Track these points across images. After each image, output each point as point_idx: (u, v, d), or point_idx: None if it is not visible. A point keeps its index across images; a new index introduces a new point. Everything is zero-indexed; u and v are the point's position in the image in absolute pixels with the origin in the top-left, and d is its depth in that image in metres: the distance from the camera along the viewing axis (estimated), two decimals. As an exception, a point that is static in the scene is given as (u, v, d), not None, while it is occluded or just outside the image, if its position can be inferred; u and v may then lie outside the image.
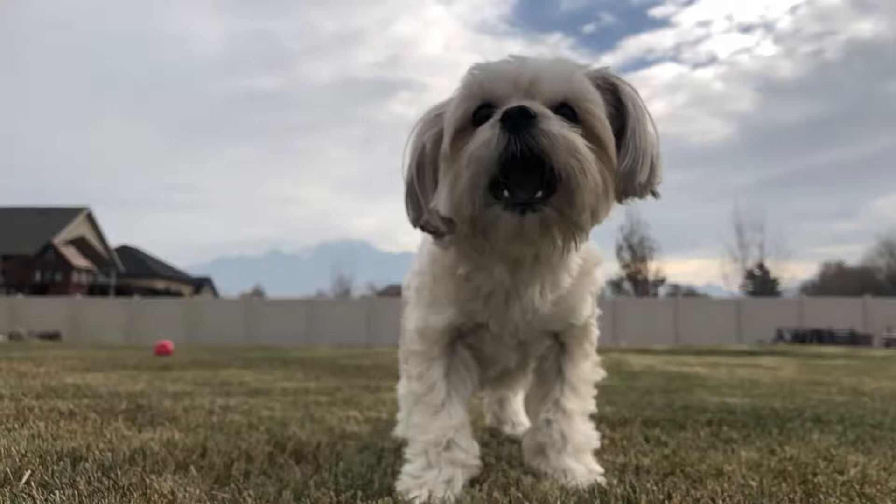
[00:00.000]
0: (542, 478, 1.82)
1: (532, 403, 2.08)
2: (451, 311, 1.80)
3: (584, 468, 1.85)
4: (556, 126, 1.42)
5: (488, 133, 1.44)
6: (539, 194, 1.45)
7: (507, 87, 1.51)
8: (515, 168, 1.43)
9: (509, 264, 1.67)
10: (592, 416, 1.99)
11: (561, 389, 1.92)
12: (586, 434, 1.92)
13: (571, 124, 1.46)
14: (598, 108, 1.53)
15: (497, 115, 1.45)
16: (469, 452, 1.78)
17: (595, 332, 1.98)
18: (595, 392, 2.01)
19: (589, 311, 1.90)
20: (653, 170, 1.60)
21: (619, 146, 1.58)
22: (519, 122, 1.41)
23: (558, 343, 1.94)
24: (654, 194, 1.66)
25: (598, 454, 2.25)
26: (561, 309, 1.81)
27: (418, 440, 1.78)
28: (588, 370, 1.97)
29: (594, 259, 1.86)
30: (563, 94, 1.51)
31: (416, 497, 1.62)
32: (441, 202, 1.54)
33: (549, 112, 1.45)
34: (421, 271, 1.90)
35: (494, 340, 1.86)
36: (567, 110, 1.50)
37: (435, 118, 1.65)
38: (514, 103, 1.45)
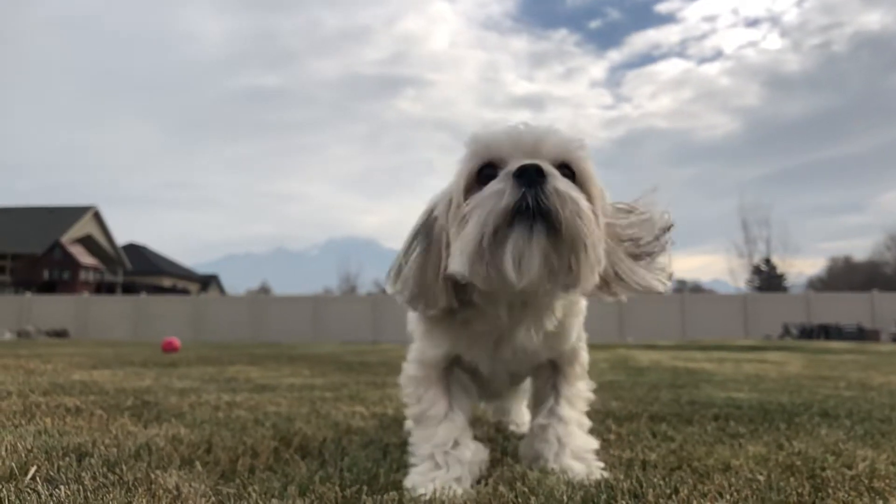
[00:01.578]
0: (548, 473, 1.81)
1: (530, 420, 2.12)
2: (445, 346, 1.87)
3: (584, 465, 1.86)
4: (564, 185, 1.48)
5: (500, 185, 1.49)
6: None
7: (511, 147, 1.57)
8: (521, 222, 1.47)
9: (507, 306, 1.72)
10: (590, 431, 2.00)
11: (556, 400, 1.97)
12: (584, 440, 1.94)
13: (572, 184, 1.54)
14: (593, 171, 1.63)
15: (511, 169, 1.49)
16: (475, 451, 1.81)
17: (584, 356, 2.05)
18: (587, 409, 2.04)
19: (575, 337, 1.96)
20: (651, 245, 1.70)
21: None
22: (534, 178, 1.46)
23: (550, 364, 2.00)
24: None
25: (605, 449, 2.24)
26: (547, 343, 1.86)
27: (424, 448, 1.80)
28: (582, 388, 2.03)
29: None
30: (563, 156, 1.59)
31: (423, 493, 1.62)
32: (455, 258, 1.56)
33: (557, 173, 1.51)
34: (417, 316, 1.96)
35: (486, 372, 1.93)
36: (566, 171, 1.58)
37: (443, 196, 1.70)
38: (520, 162, 1.50)
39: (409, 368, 1.96)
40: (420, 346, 1.95)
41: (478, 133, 1.63)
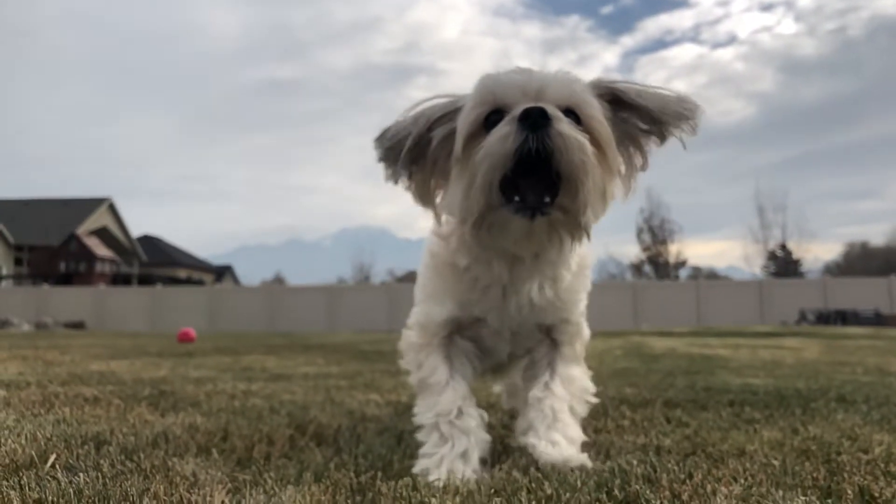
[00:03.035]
0: (529, 449, 1.80)
1: (523, 393, 2.05)
2: (450, 303, 1.88)
3: (572, 445, 1.82)
4: (568, 128, 1.51)
5: (506, 129, 1.52)
6: (547, 199, 1.54)
7: (517, 93, 1.61)
8: (527, 167, 1.51)
9: (508, 260, 1.75)
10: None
11: (552, 377, 1.95)
12: (574, 428, 1.88)
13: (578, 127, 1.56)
14: (599, 114, 1.64)
15: (515, 113, 1.52)
16: (479, 420, 1.80)
17: (586, 333, 2.05)
18: (580, 394, 1.98)
19: (582, 307, 1.98)
20: (680, 102, 1.69)
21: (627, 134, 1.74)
22: (538, 121, 1.49)
23: (550, 339, 1.99)
24: (687, 127, 1.70)
25: (619, 434, 2.24)
26: (557, 302, 1.88)
27: (428, 416, 1.80)
28: (578, 374, 1.99)
29: (589, 259, 1.96)
30: (568, 101, 1.62)
31: (435, 479, 1.63)
32: (452, 203, 1.65)
33: (562, 115, 1.54)
34: (422, 269, 2.00)
35: (492, 334, 1.92)
36: (572, 115, 1.60)
37: (449, 110, 1.73)
38: (525, 106, 1.53)
39: (410, 335, 1.98)
40: (423, 307, 1.96)
41: (484, 80, 1.66)
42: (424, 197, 1.80)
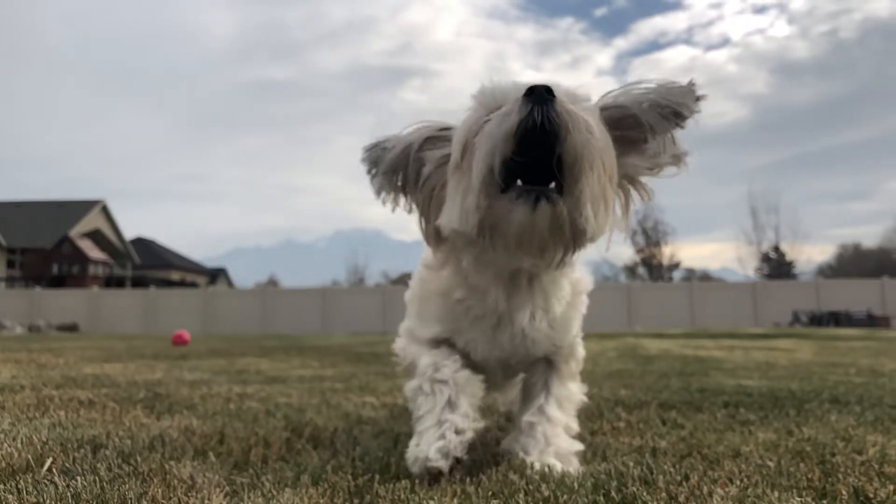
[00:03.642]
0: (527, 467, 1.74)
1: (516, 412, 2.06)
2: (437, 328, 1.86)
3: (566, 465, 1.78)
4: (572, 106, 1.48)
5: (510, 106, 1.48)
6: (552, 185, 1.48)
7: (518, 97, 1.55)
8: (530, 146, 1.45)
9: (506, 285, 1.71)
10: (579, 439, 1.93)
11: (546, 399, 1.91)
12: (569, 442, 1.87)
13: None
14: (597, 122, 1.57)
15: (520, 92, 1.49)
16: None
17: (581, 352, 2.01)
18: (576, 412, 1.99)
19: (575, 331, 1.94)
20: (682, 95, 1.65)
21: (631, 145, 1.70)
22: (544, 95, 1.45)
23: (545, 360, 1.96)
24: (687, 113, 1.67)
25: (615, 436, 2.25)
26: (550, 333, 1.84)
27: (412, 384, 1.80)
28: (574, 390, 1.98)
29: (584, 284, 1.91)
30: None
31: (417, 458, 1.63)
32: (450, 213, 1.60)
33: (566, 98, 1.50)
34: (413, 287, 1.99)
35: (478, 362, 1.88)
36: None
37: (441, 131, 1.74)
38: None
39: (401, 340, 2.00)
40: (410, 323, 1.96)
41: (485, 85, 1.63)
42: (422, 220, 1.79)
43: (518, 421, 1.93)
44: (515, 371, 2.01)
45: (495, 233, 1.54)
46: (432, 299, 1.86)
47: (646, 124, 1.68)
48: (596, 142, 1.49)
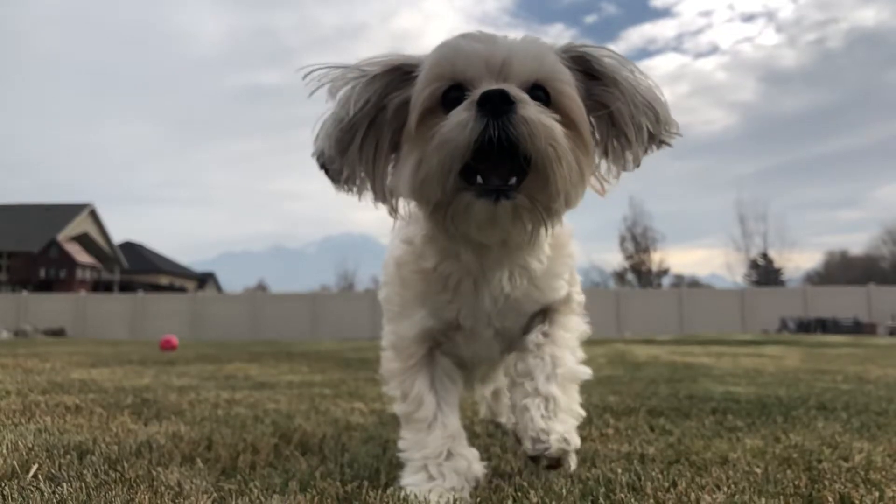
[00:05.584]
0: (524, 409, 1.64)
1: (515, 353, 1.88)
2: (420, 313, 1.73)
3: (563, 426, 1.63)
4: (534, 112, 1.36)
5: (464, 115, 1.36)
6: (513, 181, 1.40)
7: (479, 67, 1.44)
8: (489, 154, 1.37)
9: (476, 248, 1.59)
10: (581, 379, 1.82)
11: (549, 324, 1.80)
12: (575, 365, 1.77)
13: (546, 107, 1.42)
14: (571, 89, 1.48)
15: (474, 97, 1.37)
16: (471, 459, 1.66)
17: (579, 299, 1.89)
18: (579, 343, 1.87)
19: (566, 285, 1.82)
20: (658, 116, 1.53)
21: (605, 116, 1.56)
22: (499, 106, 1.34)
23: (541, 310, 1.83)
24: (666, 144, 1.59)
25: (604, 443, 2.25)
26: (534, 291, 1.73)
27: (416, 457, 1.66)
28: (575, 321, 1.87)
29: (566, 231, 1.76)
30: (535, 75, 1.46)
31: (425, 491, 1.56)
32: (403, 183, 1.48)
33: (527, 97, 1.39)
34: (387, 281, 1.84)
35: (469, 339, 1.76)
36: (540, 92, 1.45)
37: (401, 75, 1.54)
38: (488, 86, 1.38)
39: (388, 358, 1.83)
40: (394, 326, 1.81)
41: (442, 49, 1.48)
42: (375, 183, 1.60)
43: (524, 342, 1.78)
44: (510, 337, 1.83)
45: (454, 222, 1.46)
46: (410, 280, 1.72)
47: (629, 121, 1.54)
48: (561, 145, 1.38)
